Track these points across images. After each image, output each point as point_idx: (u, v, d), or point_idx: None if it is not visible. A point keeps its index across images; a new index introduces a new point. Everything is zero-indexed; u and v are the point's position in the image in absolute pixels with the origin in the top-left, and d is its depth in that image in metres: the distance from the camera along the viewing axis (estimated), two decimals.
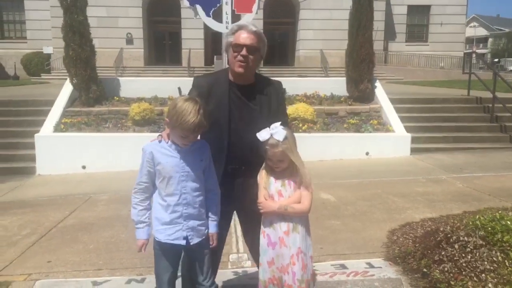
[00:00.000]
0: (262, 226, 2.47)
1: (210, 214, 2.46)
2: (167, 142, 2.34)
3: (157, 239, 2.37)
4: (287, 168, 2.42)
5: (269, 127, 2.37)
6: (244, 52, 2.43)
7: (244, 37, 2.44)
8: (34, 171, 8.42)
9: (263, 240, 2.46)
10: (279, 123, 2.39)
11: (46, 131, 8.77)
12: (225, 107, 2.49)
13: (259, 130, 2.44)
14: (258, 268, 2.61)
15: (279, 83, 2.73)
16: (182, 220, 2.34)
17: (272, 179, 2.44)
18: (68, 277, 3.63)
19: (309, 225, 2.50)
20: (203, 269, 2.48)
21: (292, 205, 2.38)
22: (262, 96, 2.57)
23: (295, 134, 2.54)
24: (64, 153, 8.43)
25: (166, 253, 2.40)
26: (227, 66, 2.61)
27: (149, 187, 2.38)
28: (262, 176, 2.48)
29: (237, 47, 2.45)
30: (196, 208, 2.37)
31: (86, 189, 7.02)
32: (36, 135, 8.58)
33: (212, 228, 2.47)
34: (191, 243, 2.37)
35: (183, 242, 2.35)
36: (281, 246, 2.39)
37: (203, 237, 2.42)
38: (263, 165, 2.49)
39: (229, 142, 2.49)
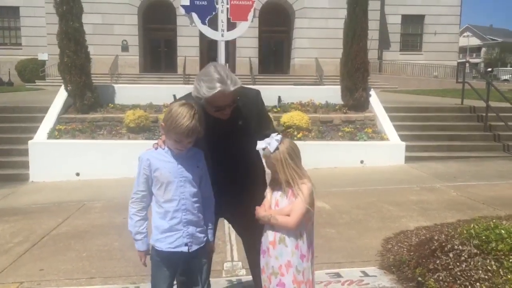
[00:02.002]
0: None
1: (207, 221, 2.46)
2: (164, 149, 2.34)
3: (158, 249, 2.33)
4: (294, 181, 2.37)
5: (269, 137, 2.33)
6: (227, 109, 2.36)
7: (222, 100, 2.31)
8: (28, 178, 8.36)
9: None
10: (277, 134, 2.36)
11: (40, 138, 8.73)
12: (207, 134, 2.39)
13: (244, 149, 2.48)
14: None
15: (257, 94, 2.64)
16: (181, 227, 2.31)
17: (275, 191, 2.43)
18: (61, 286, 3.60)
19: (310, 243, 2.42)
20: (201, 277, 2.46)
21: (276, 216, 2.32)
22: (242, 114, 2.49)
23: None
24: (58, 160, 8.38)
25: (166, 262, 2.36)
26: None
27: (146, 196, 2.35)
28: (269, 184, 2.48)
29: (217, 107, 2.34)
30: (195, 214, 2.35)
31: (80, 196, 6.97)
32: (30, 141, 8.54)
33: (210, 236, 2.48)
34: (191, 251, 2.35)
35: (185, 249, 2.32)
36: (269, 255, 2.37)
37: (202, 245, 2.41)
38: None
39: (215, 158, 2.49)
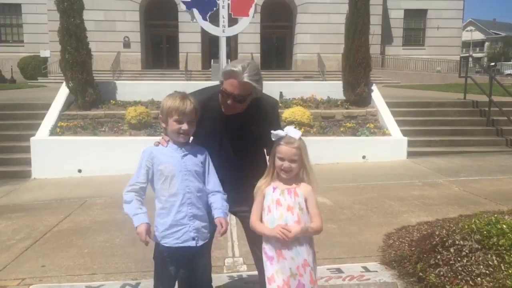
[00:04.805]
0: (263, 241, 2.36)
1: (216, 206, 2.40)
2: (166, 146, 2.38)
3: (166, 245, 2.32)
4: (293, 177, 2.35)
5: (283, 129, 2.35)
6: (230, 101, 2.39)
7: (233, 87, 2.35)
8: (30, 174, 8.38)
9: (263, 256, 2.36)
10: (292, 126, 2.39)
11: (42, 135, 8.74)
12: (216, 135, 2.51)
13: (250, 154, 2.53)
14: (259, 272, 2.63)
15: (273, 105, 2.66)
16: (187, 221, 2.32)
17: (270, 189, 2.36)
18: (62, 282, 3.60)
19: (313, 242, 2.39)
20: (203, 273, 2.47)
21: (312, 226, 2.29)
22: (253, 123, 2.51)
23: None
24: (60, 156, 8.39)
25: (173, 259, 2.35)
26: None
27: (144, 189, 2.34)
28: (259, 188, 2.39)
29: (225, 93, 2.39)
30: (200, 208, 2.36)
31: (82, 193, 6.98)
32: (32, 138, 8.55)
33: (219, 213, 2.37)
34: (198, 245, 2.35)
35: (193, 243, 2.32)
36: (279, 261, 2.27)
37: (206, 240, 2.41)
38: (264, 177, 2.40)
39: (220, 162, 2.53)
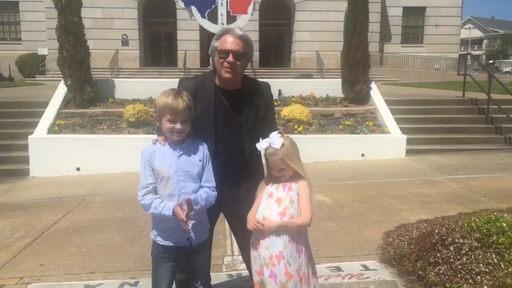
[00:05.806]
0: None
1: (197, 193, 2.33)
2: (164, 145, 2.35)
3: (160, 243, 2.33)
4: (291, 177, 2.39)
5: (268, 137, 2.36)
6: (230, 58, 2.39)
7: (230, 43, 2.40)
8: (28, 173, 8.36)
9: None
10: (277, 132, 2.39)
11: (40, 133, 8.71)
12: (211, 113, 2.48)
13: (246, 135, 2.49)
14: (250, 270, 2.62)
15: (267, 86, 2.68)
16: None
17: (269, 186, 2.43)
18: (61, 281, 3.59)
19: (306, 239, 2.39)
20: (201, 272, 2.45)
21: (293, 220, 2.29)
22: (249, 101, 2.53)
23: (290, 136, 2.53)
24: (58, 155, 8.36)
25: (168, 257, 2.35)
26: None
27: (155, 188, 2.31)
28: (260, 187, 2.46)
29: (223, 53, 2.40)
30: (195, 209, 2.31)
31: (80, 191, 6.96)
32: (29, 136, 8.52)
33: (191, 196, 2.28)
34: (193, 245, 2.33)
35: (187, 244, 2.31)
36: (260, 246, 2.32)
37: (203, 240, 2.40)
38: (265, 177, 2.48)
39: (216, 147, 2.49)
